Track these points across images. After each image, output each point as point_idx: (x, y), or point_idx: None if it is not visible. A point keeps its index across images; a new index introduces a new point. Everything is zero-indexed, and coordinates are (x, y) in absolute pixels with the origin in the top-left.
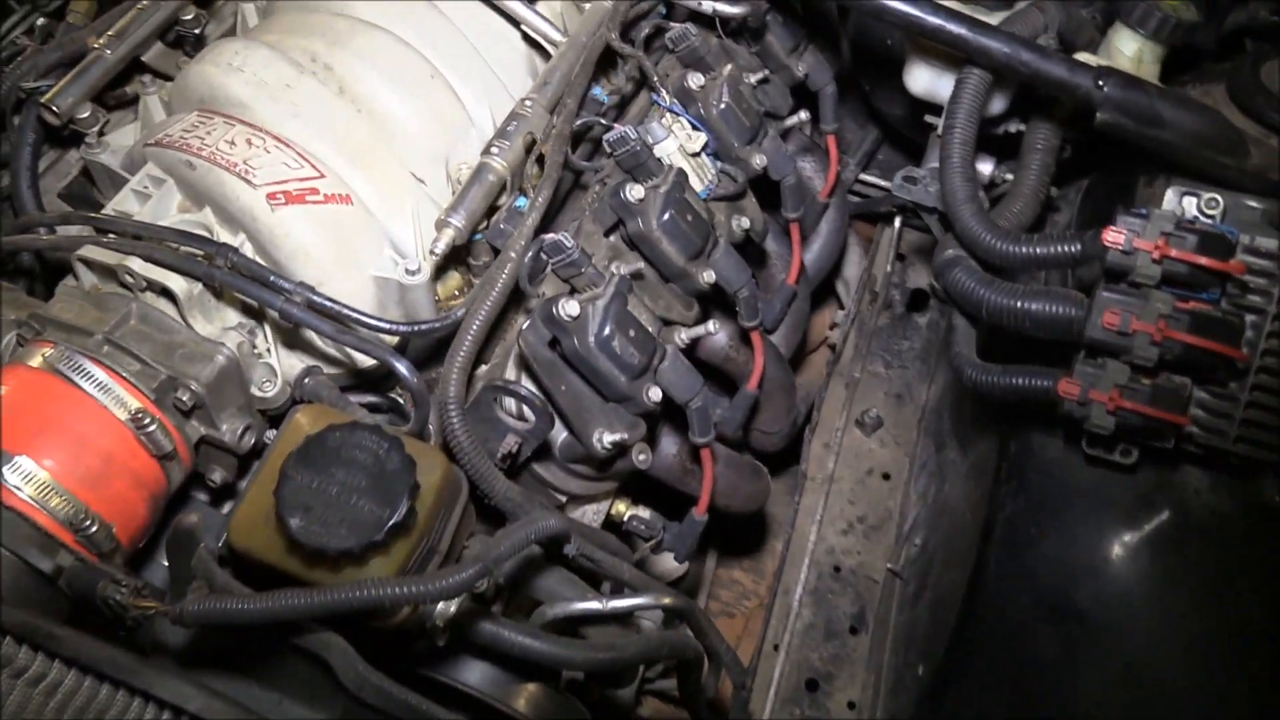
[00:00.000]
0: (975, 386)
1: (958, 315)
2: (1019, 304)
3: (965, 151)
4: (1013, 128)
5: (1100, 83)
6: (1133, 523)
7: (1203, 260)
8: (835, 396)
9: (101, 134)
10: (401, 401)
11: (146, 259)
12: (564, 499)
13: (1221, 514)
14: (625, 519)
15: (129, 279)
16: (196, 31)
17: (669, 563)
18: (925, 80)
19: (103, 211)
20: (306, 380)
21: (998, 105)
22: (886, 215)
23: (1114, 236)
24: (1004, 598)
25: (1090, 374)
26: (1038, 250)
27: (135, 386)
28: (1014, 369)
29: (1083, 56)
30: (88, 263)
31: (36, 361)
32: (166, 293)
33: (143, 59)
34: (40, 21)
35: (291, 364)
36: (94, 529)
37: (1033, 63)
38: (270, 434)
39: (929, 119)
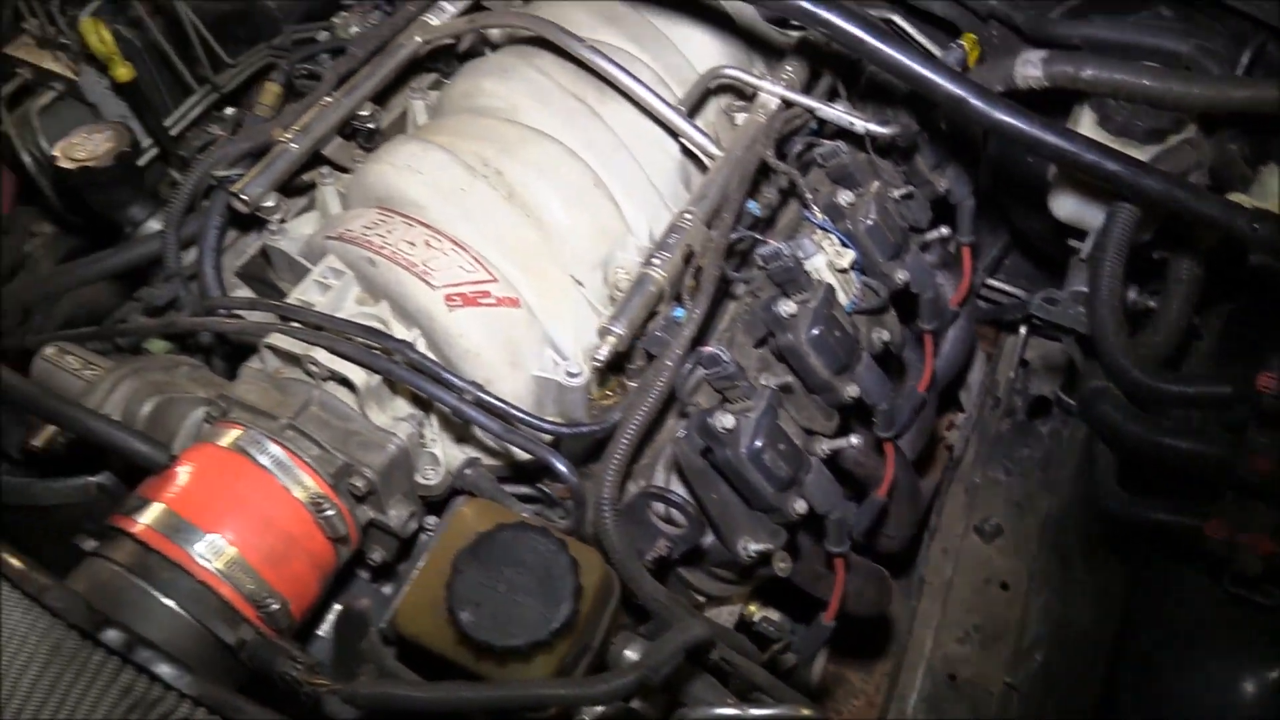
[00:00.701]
0: (1118, 518)
1: (1100, 444)
2: (1166, 441)
3: (1114, 285)
4: (1156, 255)
5: (1255, 225)
6: (1270, 664)
7: None
8: (955, 502)
9: (282, 221)
10: (550, 493)
11: (331, 351)
12: (702, 599)
13: None
14: (756, 620)
15: (313, 368)
16: (370, 126)
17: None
18: (1071, 207)
19: (286, 299)
20: (468, 471)
21: (1143, 235)
22: (1011, 323)
23: (1267, 382)
24: None
25: (1239, 516)
26: (1188, 390)
27: (315, 471)
28: (1159, 504)
29: (1235, 197)
30: (273, 348)
31: (226, 442)
32: (346, 383)
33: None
34: (229, 111)
35: (453, 454)
36: (275, 606)
37: (1187, 202)
38: (430, 520)
39: (1072, 243)
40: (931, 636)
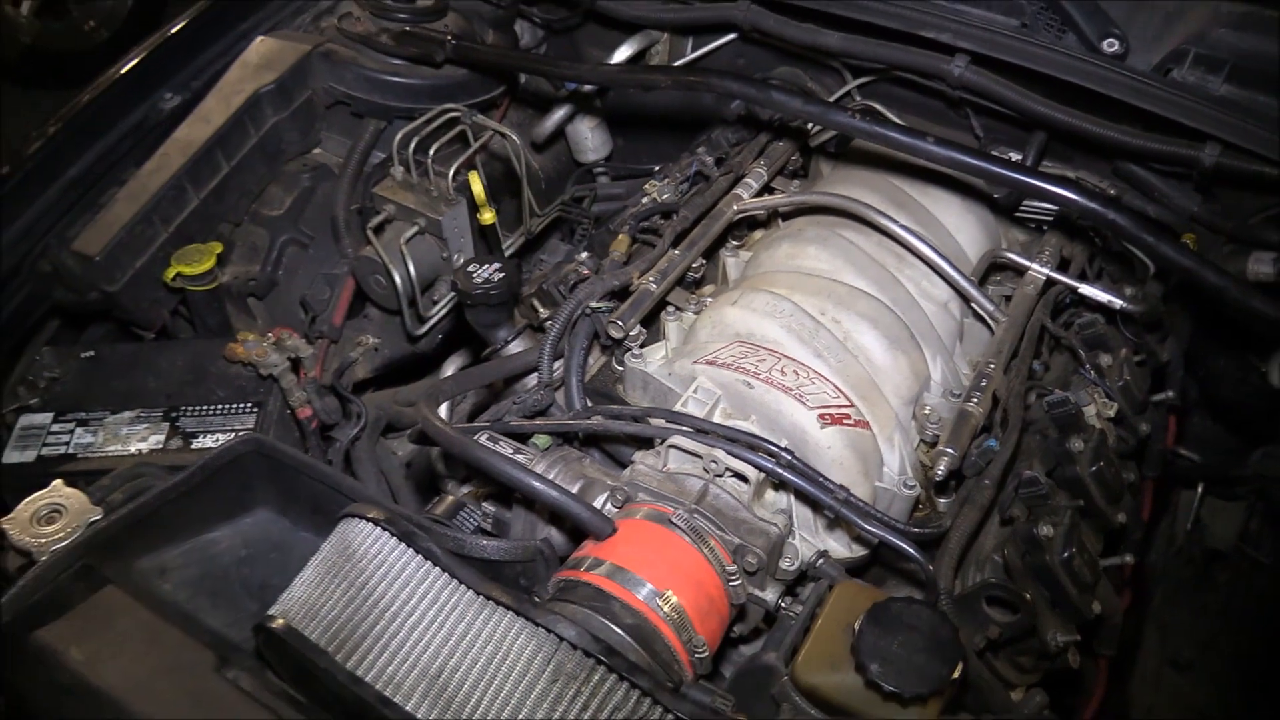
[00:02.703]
0: None
1: None
2: None
3: None
4: None
5: None
6: None
7: None
8: (1150, 638)
9: (642, 348)
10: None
11: (729, 452)
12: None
13: None
14: None
15: (712, 465)
16: (697, 276)
17: None
18: None
19: (674, 410)
20: (820, 562)
21: None
22: (1189, 480)
23: None
24: None
25: None
26: None
27: (726, 548)
28: None
29: None
30: (676, 447)
31: (651, 517)
32: (741, 478)
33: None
34: (583, 255)
35: (805, 547)
36: (703, 654)
37: None
38: (784, 599)
39: None
40: None
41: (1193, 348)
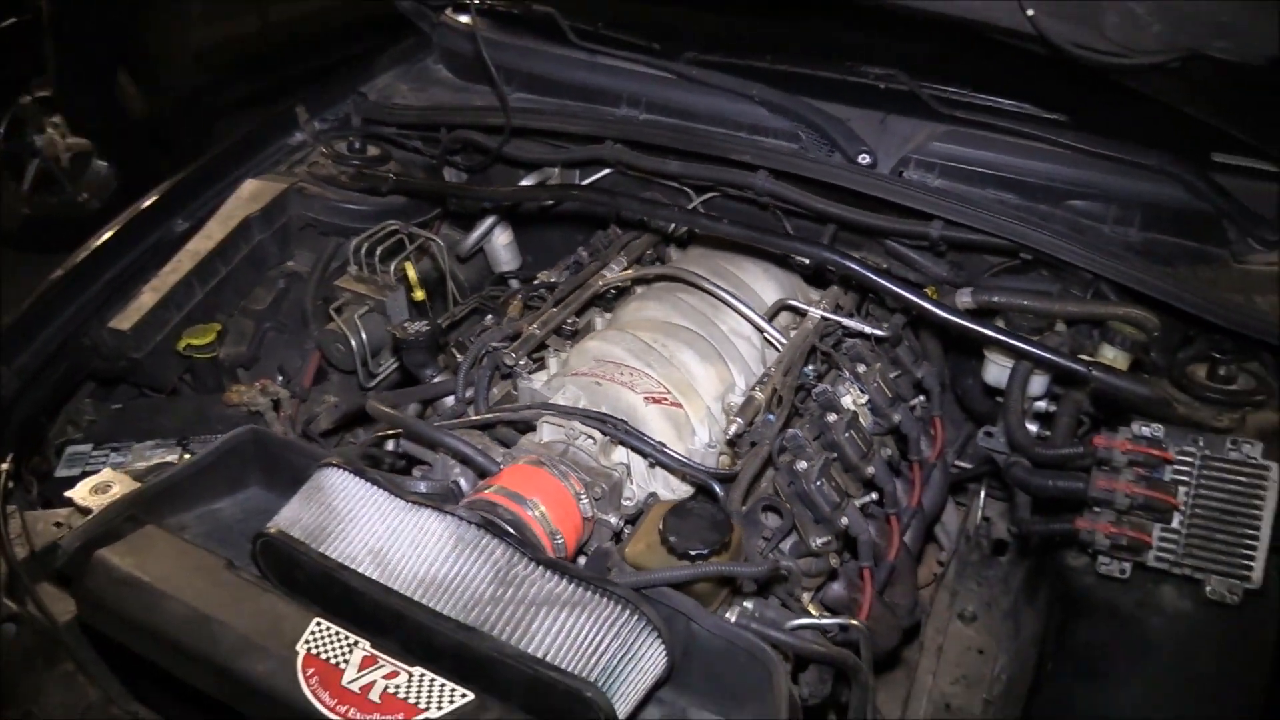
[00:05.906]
0: (1028, 533)
1: (1020, 494)
2: (1050, 483)
3: (1018, 403)
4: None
5: (1090, 369)
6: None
7: (1151, 450)
8: (942, 600)
9: (530, 374)
10: None
11: (582, 422)
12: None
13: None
14: (816, 615)
15: (571, 432)
16: (572, 329)
17: None
18: (995, 375)
19: (547, 403)
20: (648, 499)
21: (1039, 387)
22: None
23: (1099, 440)
24: None
25: (1093, 515)
26: (1060, 451)
27: (579, 480)
28: (1051, 519)
29: (1081, 355)
30: (547, 423)
31: (526, 461)
32: (592, 439)
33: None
34: (489, 318)
35: (640, 491)
36: (561, 542)
37: (1053, 359)
38: (627, 528)
39: (998, 399)
40: (931, 681)
41: (952, 371)
